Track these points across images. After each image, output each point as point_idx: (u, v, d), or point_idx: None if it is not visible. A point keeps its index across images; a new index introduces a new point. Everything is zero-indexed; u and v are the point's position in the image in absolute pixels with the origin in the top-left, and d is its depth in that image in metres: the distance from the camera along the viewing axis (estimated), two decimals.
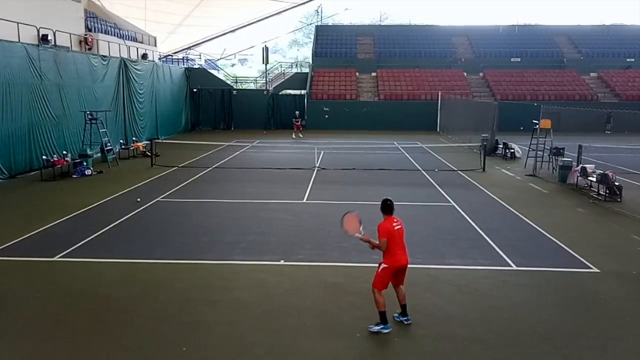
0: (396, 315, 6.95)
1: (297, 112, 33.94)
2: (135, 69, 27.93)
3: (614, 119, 33.25)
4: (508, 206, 13.71)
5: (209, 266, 9.13)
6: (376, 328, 6.62)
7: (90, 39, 26.00)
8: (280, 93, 39.70)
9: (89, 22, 28.41)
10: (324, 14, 56.90)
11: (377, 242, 6.64)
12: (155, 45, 36.70)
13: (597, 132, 32.16)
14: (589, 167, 15.90)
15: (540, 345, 6.39)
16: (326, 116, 36.75)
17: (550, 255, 9.82)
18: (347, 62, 41.96)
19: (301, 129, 32.89)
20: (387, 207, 6.78)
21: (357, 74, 40.88)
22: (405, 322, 6.87)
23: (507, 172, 19.47)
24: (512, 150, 22.77)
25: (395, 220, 6.75)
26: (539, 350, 6.28)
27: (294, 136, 31.88)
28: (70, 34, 23.04)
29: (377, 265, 9.16)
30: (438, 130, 35.73)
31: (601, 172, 14.99)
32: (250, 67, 76.51)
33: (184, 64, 41.25)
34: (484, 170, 19.38)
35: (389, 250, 6.63)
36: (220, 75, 45.70)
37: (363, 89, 39.68)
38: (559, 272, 8.88)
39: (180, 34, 45.68)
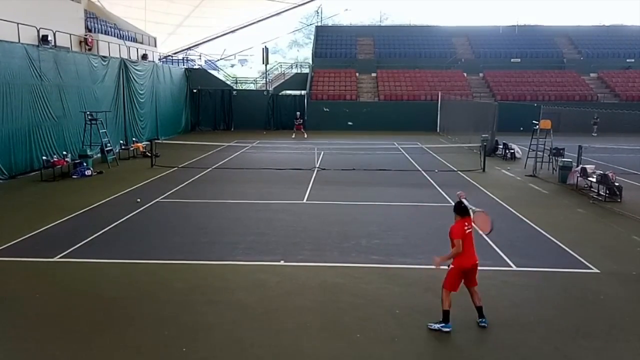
0: (480, 320, 6.90)
1: (298, 113, 34.15)
2: (135, 69, 27.93)
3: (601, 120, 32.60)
4: (508, 207, 13.71)
5: (209, 266, 9.13)
6: (437, 326, 6.72)
7: (90, 40, 26.00)
8: (280, 93, 39.69)
9: (89, 23, 28.42)
10: (323, 14, 56.89)
11: (452, 252, 6.76)
12: (155, 46, 36.70)
13: (600, 132, 32.18)
14: (589, 167, 15.90)
15: (540, 345, 6.39)
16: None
17: (550, 255, 9.82)
18: (347, 63, 41.97)
19: (302, 129, 33.09)
20: (461, 210, 6.83)
21: (357, 74, 40.89)
22: (481, 324, 6.85)
23: (507, 172, 19.47)
24: (512, 151, 22.77)
25: (466, 223, 6.81)
26: (539, 350, 6.28)
27: (294, 135, 32.07)
28: (70, 34, 23.04)
29: (376, 265, 9.23)
30: (438, 130, 35.72)
31: (601, 172, 14.99)
32: (250, 68, 76.53)
33: (184, 65, 41.27)
34: (484, 170, 19.38)
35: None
36: (220, 75, 45.71)
37: (363, 89, 39.69)
38: (559, 273, 8.88)
39: (180, 34, 45.69)
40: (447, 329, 6.67)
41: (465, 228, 6.75)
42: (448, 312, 6.72)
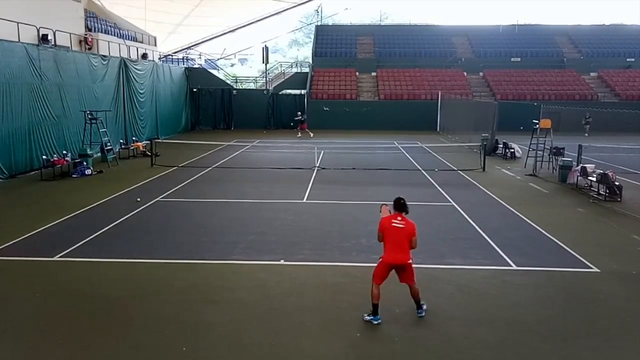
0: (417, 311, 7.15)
1: (299, 112, 33.87)
2: (135, 68, 27.92)
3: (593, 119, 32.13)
4: (508, 206, 13.71)
5: (209, 266, 9.13)
6: (367, 317, 6.95)
7: (90, 39, 26.00)
8: (280, 93, 39.68)
9: (89, 22, 28.40)
10: (323, 13, 56.80)
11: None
12: (155, 45, 36.68)
13: (597, 131, 32.13)
14: (589, 166, 15.90)
15: (540, 345, 6.39)
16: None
17: (550, 255, 9.82)
18: (347, 62, 41.95)
19: (306, 128, 32.69)
20: (395, 204, 7.07)
21: (357, 73, 40.87)
22: (417, 314, 7.09)
23: (507, 171, 19.47)
24: (512, 150, 22.77)
25: (398, 218, 6.92)
26: (539, 350, 6.28)
27: (299, 135, 31.85)
28: (70, 33, 23.02)
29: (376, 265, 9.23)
30: (438, 130, 35.72)
31: (601, 171, 14.99)
32: (250, 67, 76.50)
33: (184, 64, 41.24)
34: (484, 170, 19.38)
35: (384, 245, 6.97)
36: (220, 75, 45.71)
37: (363, 88, 39.67)
38: (559, 272, 8.88)
39: (180, 33, 45.67)
40: (376, 322, 6.85)
41: (393, 222, 6.91)
42: (376, 306, 6.89)
